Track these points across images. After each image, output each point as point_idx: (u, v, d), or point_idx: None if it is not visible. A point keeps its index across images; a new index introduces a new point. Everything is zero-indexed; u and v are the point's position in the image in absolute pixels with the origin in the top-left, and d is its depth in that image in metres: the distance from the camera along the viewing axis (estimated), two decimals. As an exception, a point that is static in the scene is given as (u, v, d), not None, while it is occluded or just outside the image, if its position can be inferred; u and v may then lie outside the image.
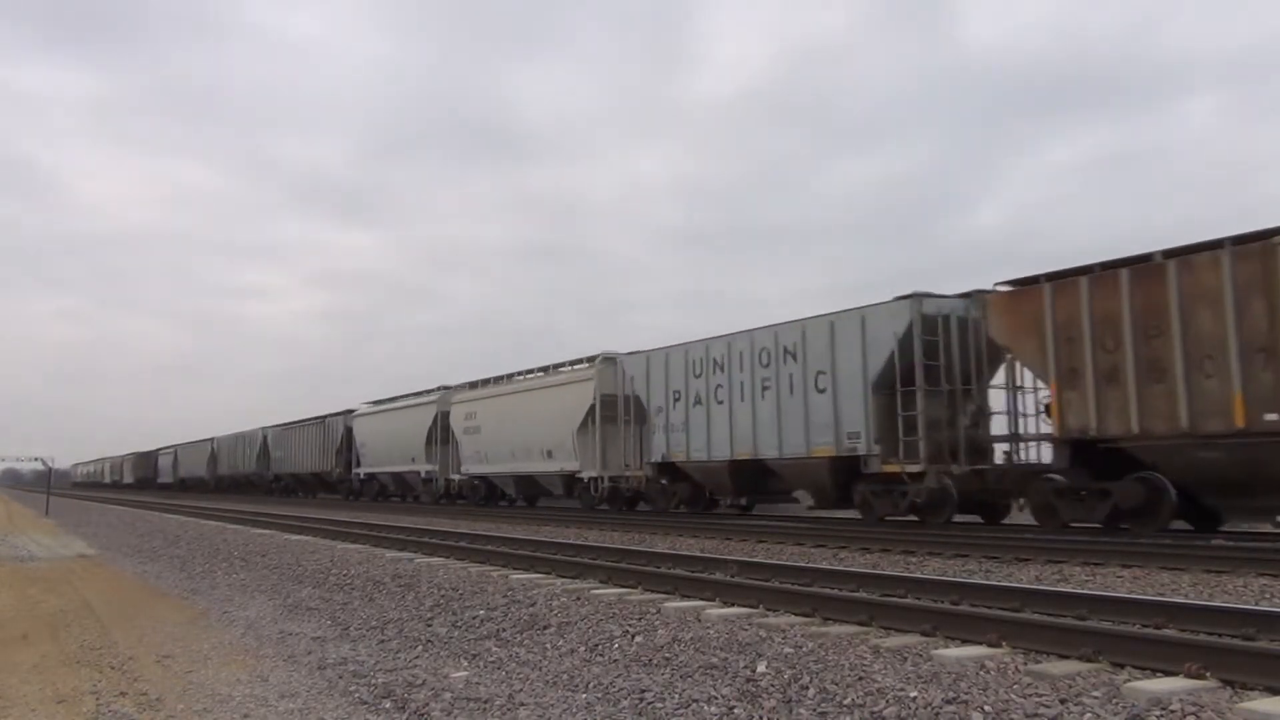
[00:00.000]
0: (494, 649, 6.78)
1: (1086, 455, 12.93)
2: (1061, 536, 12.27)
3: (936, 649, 5.69)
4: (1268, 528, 12.99)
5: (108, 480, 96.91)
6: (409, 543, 14.40)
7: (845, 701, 4.73)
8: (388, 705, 5.40)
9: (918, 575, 8.75)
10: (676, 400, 19.66)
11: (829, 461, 15.94)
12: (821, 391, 16.14)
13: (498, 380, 27.95)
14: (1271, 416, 10.87)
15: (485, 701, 5.30)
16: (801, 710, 4.71)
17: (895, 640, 6.04)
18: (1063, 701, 4.45)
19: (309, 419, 43.59)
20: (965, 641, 5.87)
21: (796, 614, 7.06)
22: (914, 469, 14.58)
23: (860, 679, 5.04)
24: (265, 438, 49.86)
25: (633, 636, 6.56)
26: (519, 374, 27.00)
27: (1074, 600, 6.81)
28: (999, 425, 15.02)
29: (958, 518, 15.70)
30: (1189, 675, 4.77)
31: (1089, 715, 4.27)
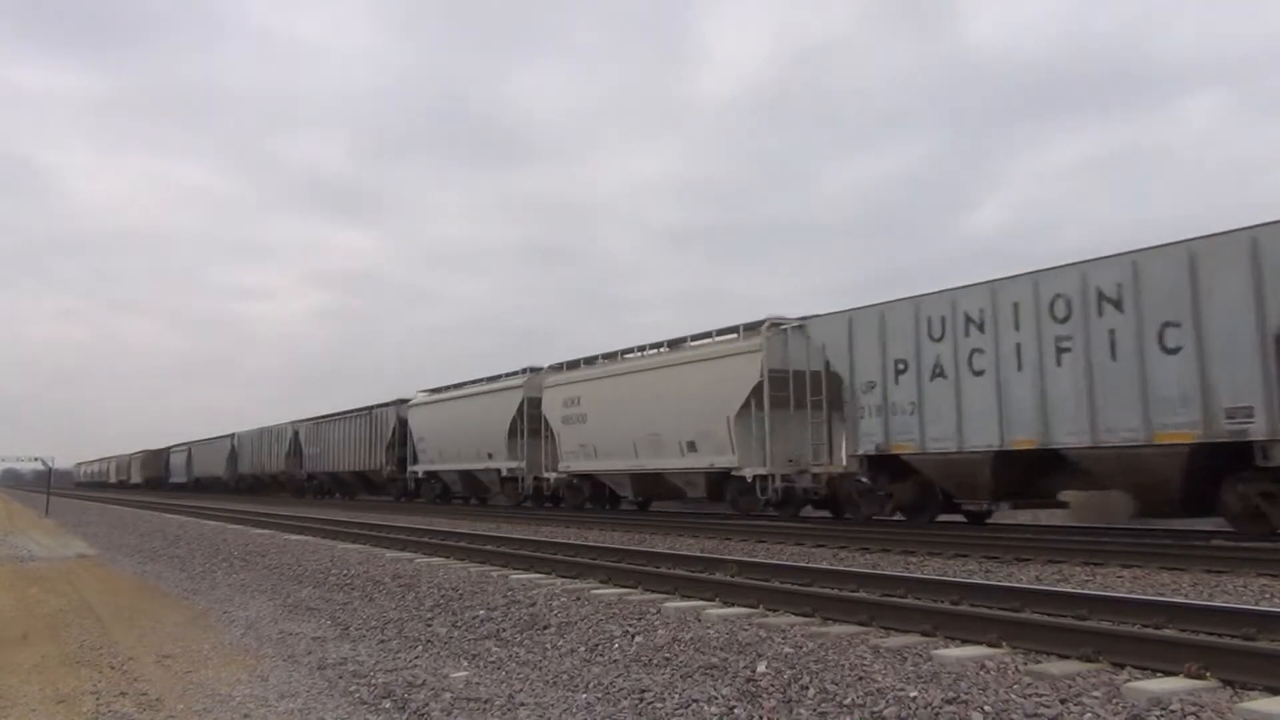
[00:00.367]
0: (494, 649, 6.78)
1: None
2: (1062, 537, 12.27)
3: (936, 649, 5.69)
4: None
5: (113, 480, 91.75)
6: (409, 543, 14.40)
7: (845, 701, 4.73)
8: (388, 705, 5.40)
9: (918, 575, 8.75)
10: (900, 372, 14.86)
11: (1188, 449, 11.24)
12: (1172, 351, 11.51)
13: (608, 358, 23.05)
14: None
15: (485, 701, 5.30)
16: (801, 710, 4.71)
17: (895, 640, 6.04)
18: (1063, 701, 4.45)
19: (351, 410, 38.33)
20: (965, 641, 5.87)
21: (796, 614, 7.06)
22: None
23: (860, 679, 5.04)
24: (297, 433, 44.93)
25: (633, 636, 6.56)
26: (637, 350, 22.33)
27: (1074, 600, 6.81)
28: None
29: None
30: (1189, 675, 4.77)
31: (1089, 715, 4.27)
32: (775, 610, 7.24)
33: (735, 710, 4.79)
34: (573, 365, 24.33)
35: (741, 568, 9.61)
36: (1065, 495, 14.60)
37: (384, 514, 26.73)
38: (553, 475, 24.40)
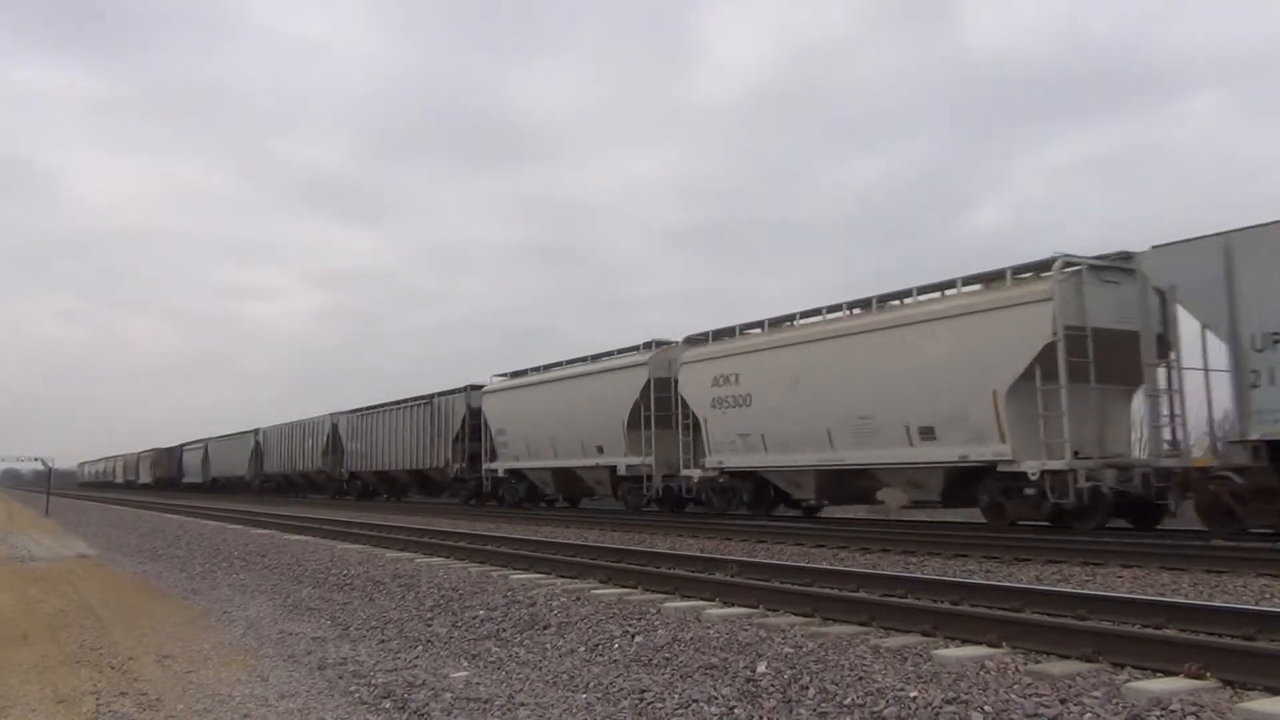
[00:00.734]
0: (494, 649, 6.78)
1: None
2: (1062, 536, 12.26)
3: (936, 649, 5.69)
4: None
5: (120, 480, 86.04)
6: (409, 543, 14.40)
7: (845, 701, 4.73)
8: (388, 705, 5.40)
9: (918, 575, 8.75)
10: None
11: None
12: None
13: (775, 325, 17.93)
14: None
15: (485, 701, 5.30)
16: (801, 710, 4.71)
17: (895, 640, 6.04)
18: (1063, 701, 4.45)
19: (406, 399, 32.84)
20: (965, 641, 5.87)
21: (796, 614, 7.06)
22: None
23: (860, 679, 5.04)
24: (335, 426, 39.43)
25: (633, 636, 6.56)
26: (820, 312, 16.97)
27: (1074, 600, 6.81)
28: None
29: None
30: (1189, 675, 4.77)
31: (1089, 715, 4.27)
32: (775, 610, 7.24)
33: (735, 710, 4.79)
34: (722, 335, 19.13)
35: (741, 568, 9.61)
36: None
37: (383, 514, 26.73)
38: (696, 473, 19.22)
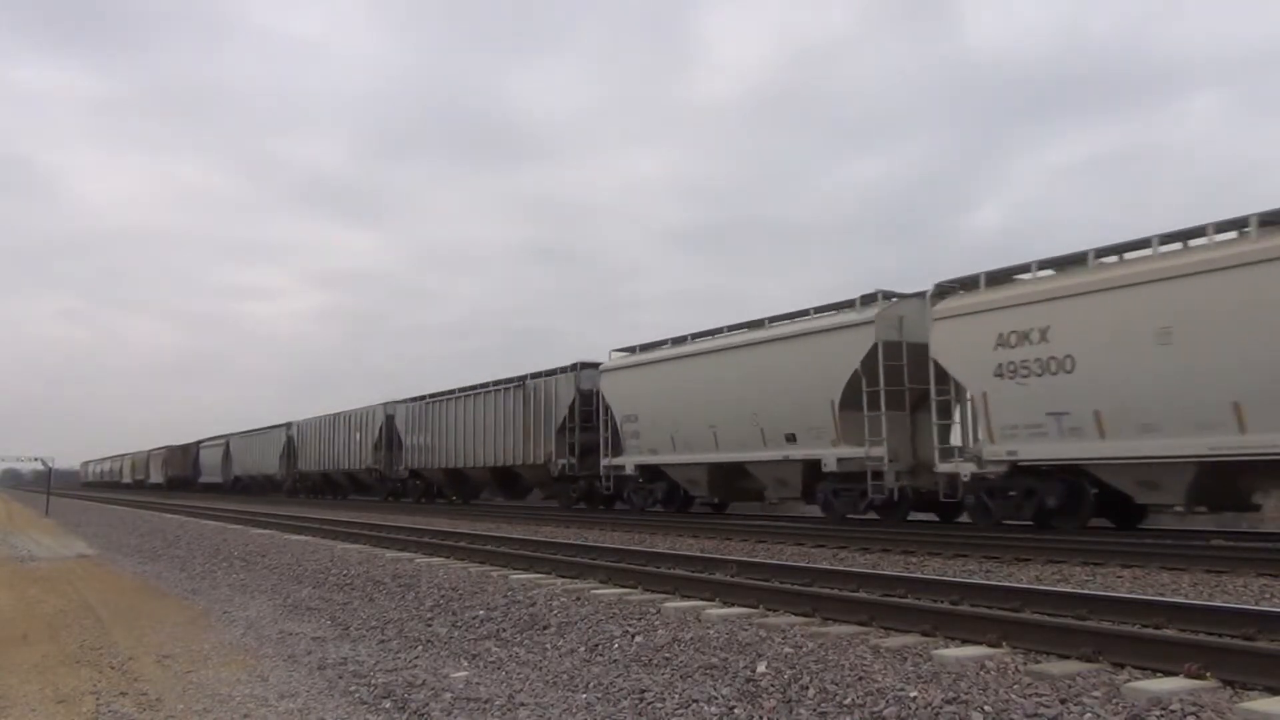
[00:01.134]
0: (494, 649, 6.78)
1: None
2: (1061, 537, 12.26)
3: (936, 649, 5.69)
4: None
5: (128, 480, 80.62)
6: (409, 543, 14.40)
7: (845, 701, 4.73)
8: (388, 705, 5.40)
9: (918, 575, 8.75)
10: None
11: None
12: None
13: (1105, 253, 12.65)
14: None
15: (485, 701, 5.30)
16: (801, 710, 4.71)
17: (895, 640, 6.04)
18: (1063, 701, 4.45)
19: (491, 383, 27.60)
20: (965, 641, 5.87)
21: (796, 614, 7.06)
22: None
23: (860, 679, 5.04)
24: (391, 418, 34.17)
25: (633, 636, 6.56)
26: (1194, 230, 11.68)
27: (1074, 600, 6.81)
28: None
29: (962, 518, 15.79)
30: (1189, 675, 4.77)
31: (1089, 715, 4.27)
32: (775, 610, 7.24)
33: (735, 710, 4.79)
34: (999, 277, 13.95)
35: (741, 568, 9.61)
36: None
37: (383, 514, 26.68)
38: (968, 468, 13.99)
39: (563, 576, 9.87)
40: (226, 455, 55.41)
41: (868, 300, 16.27)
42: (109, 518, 30.59)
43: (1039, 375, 12.97)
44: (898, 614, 6.63)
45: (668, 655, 6.00)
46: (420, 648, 7.05)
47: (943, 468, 14.54)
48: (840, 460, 16.03)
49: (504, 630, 7.34)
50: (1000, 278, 13.99)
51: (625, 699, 5.17)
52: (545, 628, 7.22)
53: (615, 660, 6.11)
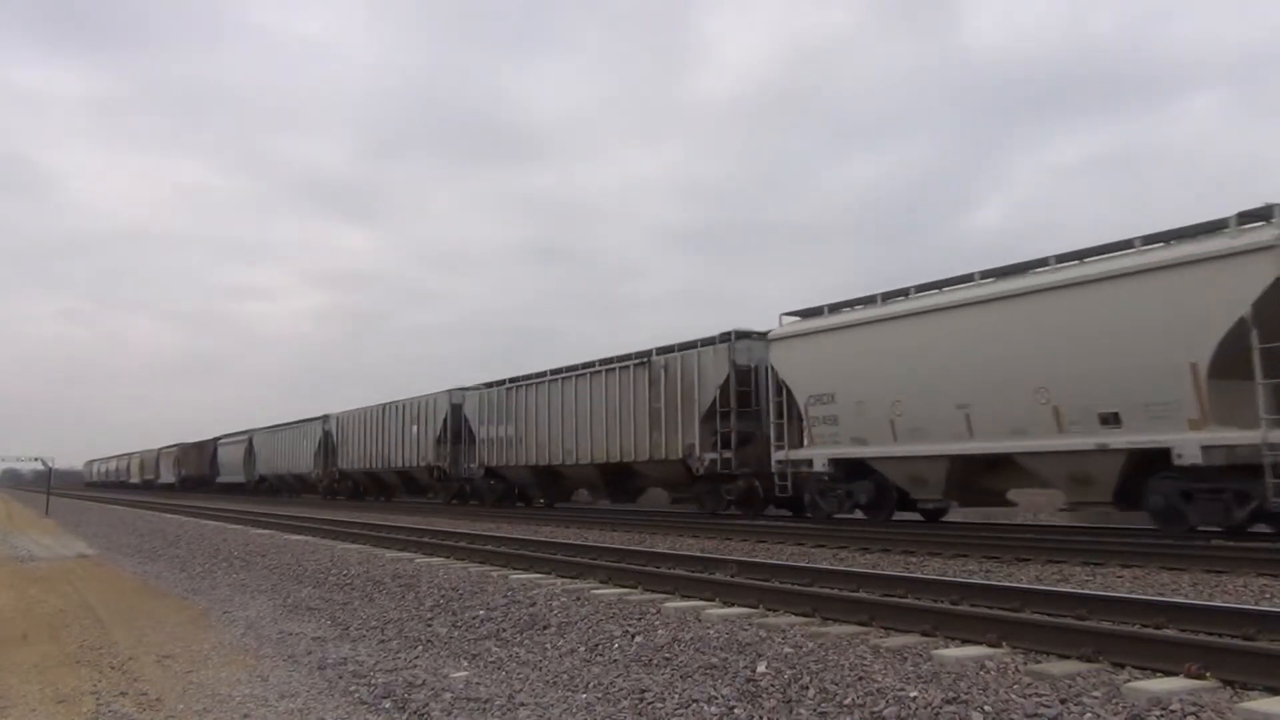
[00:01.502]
0: (494, 649, 6.78)
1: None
2: (1061, 537, 12.27)
3: (936, 649, 5.69)
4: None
5: (136, 480, 76.02)
6: (409, 543, 14.40)
7: (845, 701, 4.73)
8: (388, 705, 5.40)
9: (918, 575, 8.75)
10: None
11: None
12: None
13: None
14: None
15: (485, 701, 5.30)
16: (801, 710, 4.71)
17: (895, 640, 6.04)
18: (1063, 701, 4.45)
19: (592, 364, 23.00)
20: (965, 641, 5.87)
21: (796, 614, 7.06)
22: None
23: (860, 679, 5.04)
24: (459, 408, 29.16)
25: (633, 636, 6.56)
26: None
27: (1074, 600, 6.81)
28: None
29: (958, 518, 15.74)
30: (1189, 675, 4.77)
31: (1089, 715, 4.27)
32: (775, 610, 7.24)
33: (735, 710, 4.79)
34: None
35: (742, 568, 9.61)
36: None
37: (382, 514, 26.67)
38: None
39: (563, 576, 9.87)
40: (249, 452, 50.47)
41: (1250, 218, 11.05)
42: (109, 518, 30.59)
43: None
44: (898, 614, 6.62)
45: (668, 655, 6.00)
46: (420, 648, 7.05)
47: None
48: (1207, 449, 11.14)
49: (504, 630, 7.34)
50: None
51: (625, 699, 5.17)
52: (545, 628, 7.22)
53: (615, 660, 6.11)
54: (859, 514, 16.44)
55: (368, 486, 37.43)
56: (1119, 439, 12.09)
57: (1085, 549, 10.75)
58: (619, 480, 23.01)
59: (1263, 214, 11.03)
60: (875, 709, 4.58)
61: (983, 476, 14.64)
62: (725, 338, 19.06)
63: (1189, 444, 11.31)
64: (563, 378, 24.03)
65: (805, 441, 17.01)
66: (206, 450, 59.10)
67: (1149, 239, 12.18)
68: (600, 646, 6.47)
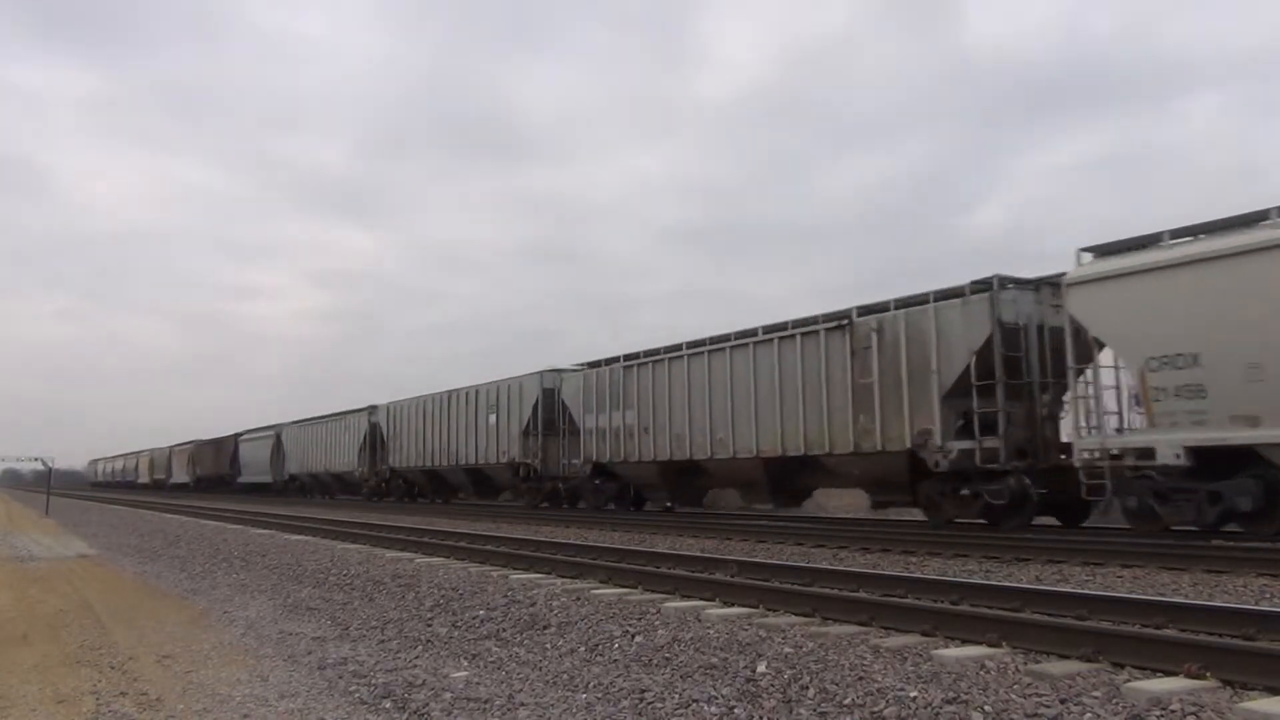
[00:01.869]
0: (494, 649, 6.78)
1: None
2: (1062, 536, 12.27)
3: (936, 649, 5.69)
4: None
5: (145, 480, 72.30)
6: (409, 543, 14.41)
7: (845, 701, 4.73)
8: (388, 705, 5.40)
9: (918, 575, 8.75)
10: None
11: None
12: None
13: None
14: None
15: (485, 701, 5.30)
16: (801, 710, 4.71)
17: (895, 640, 6.04)
18: (1063, 701, 4.45)
19: (739, 334, 18.30)
20: (965, 641, 5.87)
21: (796, 614, 7.06)
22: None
23: (860, 679, 5.04)
24: (554, 393, 24.46)
25: (633, 636, 6.56)
26: None
27: (1074, 600, 6.82)
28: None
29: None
30: (1189, 675, 4.77)
31: (1089, 715, 4.27)
32: (775, 610, 7.24)
33: (735, 710, 4.79)
34: None
35: (742, 568, 9.61)
36: None
37: (382, 514, 26.63)
38: None
39: (563, 576, 9.87)
40: (277, 450, 45.51)
41: None
42: (109, 518, 30.60)
43: None
44: (898, 614, 6.63)
45: (668, 655, 6.00)
46: (420, 647, 7.05)
47: None
48: None
49: (504, 630, 7.34)
50: None
51: (625, 699, 5.17)
52: (545, 628, 7.22)
53: (615, 660, 6.11)
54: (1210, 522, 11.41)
55: (425, 487, 32.49)
56: None
57: (1085, 549, 10.75)
58: (790, 478, 17.75)
59: None
60: (875, 709, 4.58)
61: None
62: (982, 286, 14.02)
63: None
64: (708, 350, 18.89)
65: (1138, 422, 12.42)
66: (225, 447, 54.03)
67: None
68: (600, 646, 6.47)
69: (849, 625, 6.60)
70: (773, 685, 5.09)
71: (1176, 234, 11.87)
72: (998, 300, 13.81)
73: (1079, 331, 12.87)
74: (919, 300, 14.89)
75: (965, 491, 14.22)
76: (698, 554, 11.57)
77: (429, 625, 7.85)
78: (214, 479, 55.29)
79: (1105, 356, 12.79)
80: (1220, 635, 5.61)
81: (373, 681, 5.95)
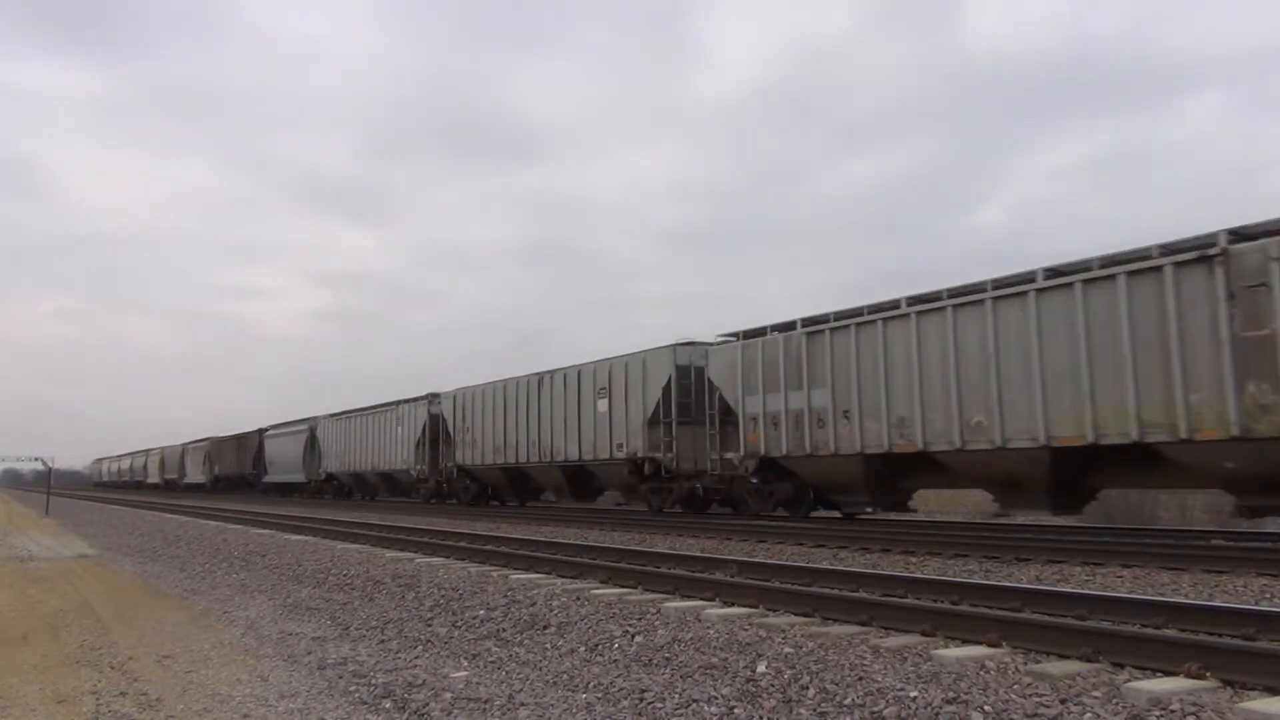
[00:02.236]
0: (494, 649, 6.78)
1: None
2: (1061, 536, 12.27)
3: (936, 649, 5.69)
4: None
5: (155, 480, 68.35)
6: (409, 543, 14.40)
7: (845, 701, 4.73)
8: (388, 705, 5.40)
9: (918, 575, 8.75)
10: None
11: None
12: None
13: None
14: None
15: (485, 701, 5.30)
16: (801, 710, 4.71)
17: (895, 640, 6.04)
18: (1063, 701, 4.45)
19: (1020, 278, 13.09)
20: (965, 641, 5.87)
21: (796, 614, 7.06)
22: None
23: (860, 679, 5.04)
24: (690, 370, 19.80)
25: (633, 636, 6.56)
26: None
27: (1074, 600, 6.82)
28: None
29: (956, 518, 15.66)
30: (1189, 675, 4.77)
31: (1089, 715, 4.27)
32: (775, 610, 7.24)
33: (735, 710, 4.79)
34: None
35: (741, 568, 9.61)
36: None
37: (382, 514, 26.56)
38: None
39: (563, 576, 9.87)
40: (310, 446, 40.78)
41: None
42: (109, 518, 30.60)
43: None
44: (898, 614, 6.62)
45: (668, 655, 6.00)
46: (420, 648, 7.05)
47: None
48: None
49: (504, 630, 7.34)
50: None
51: (625, 699, 5.17)
52: (545, 628, 7.22)
53: (615, 660, 6.11)
54: None
55: (502, 487, 27.61)
56: None
57: (1085, 549, 10.75)
58: (1090, 473, 13.04)
59: None
60: (875, 709, 4.58)
61: None
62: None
63: None
64: (951, 306, 14.00)
65: None
66: (248, 444, 49.62)
67: None
68: (600, 646, 6.47)
69: (849, 625, 6.60)
70: (773, 685, 5.09)
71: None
72: None
73: None
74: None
75: None
76: (698, 554, 11.57)
77: (429, 625, 7.85)
78: (234, 478, 51.25)
79: None
80: (1220, 635, 5.61)
81: (373, 681, 5.95)
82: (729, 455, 18.33)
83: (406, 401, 32.08)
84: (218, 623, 8.70)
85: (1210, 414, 10.83)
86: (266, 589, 10.88)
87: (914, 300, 14.75)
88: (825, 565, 10.04)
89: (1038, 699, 4.50)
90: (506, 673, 6.04)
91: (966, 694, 4.62)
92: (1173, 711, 4.23)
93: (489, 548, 12.93)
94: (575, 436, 22.83)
